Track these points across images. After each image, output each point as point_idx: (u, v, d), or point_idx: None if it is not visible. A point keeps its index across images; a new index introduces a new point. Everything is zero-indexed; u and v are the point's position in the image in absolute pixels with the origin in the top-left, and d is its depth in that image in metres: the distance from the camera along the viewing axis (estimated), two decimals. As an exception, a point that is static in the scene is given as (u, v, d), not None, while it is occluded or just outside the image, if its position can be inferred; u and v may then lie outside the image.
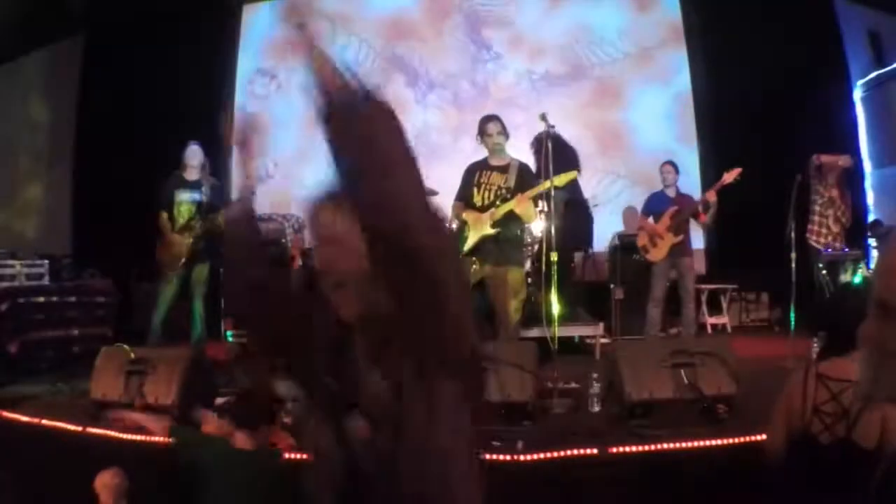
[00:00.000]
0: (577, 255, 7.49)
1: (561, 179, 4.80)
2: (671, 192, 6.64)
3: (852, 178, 6.84)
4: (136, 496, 3.26)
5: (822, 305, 6.03)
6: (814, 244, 6.64)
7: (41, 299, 6.27)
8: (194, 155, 6.07)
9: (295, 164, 8.99)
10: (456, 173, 5.38)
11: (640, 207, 7.04)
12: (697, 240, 8.01)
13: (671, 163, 6.74)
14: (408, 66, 8.96)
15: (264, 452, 3.32)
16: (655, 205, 6.65)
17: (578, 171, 6.36)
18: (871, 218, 8.03)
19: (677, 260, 6.47)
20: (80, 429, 4.06)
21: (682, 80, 8.63)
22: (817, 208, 6.67)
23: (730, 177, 6.27)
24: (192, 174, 6.07)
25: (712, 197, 6.31)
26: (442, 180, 7.37)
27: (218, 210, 5.88)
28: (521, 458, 3.44)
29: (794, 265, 5.81)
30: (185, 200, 6.00)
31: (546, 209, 5.28)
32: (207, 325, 6.13)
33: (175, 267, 5.91)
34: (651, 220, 6.61)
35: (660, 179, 6.75)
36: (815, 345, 5.15)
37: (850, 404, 1.93)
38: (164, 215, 5.99)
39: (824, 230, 6.61)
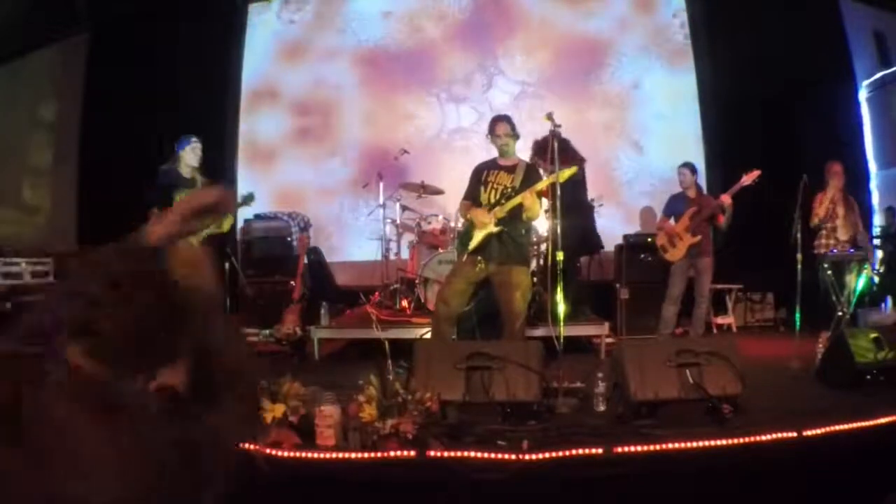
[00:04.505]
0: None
1: (563, 175, 4.80)
2: (691, 193, 6.56)
3: (853, 183, 6.78)
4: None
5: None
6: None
7: (46, 297, 6.26)
8: (195, 152, 5.81)
9: (299, 162, 9.02)
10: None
11: (652, 208, 6.99)
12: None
13: (688, 164, 6.62)
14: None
15: None
16: (676, 206, 6.59)
17: (583, 169, 6.36)
18: (875, 219, 8.04)
19: (696, 260, 6.40)
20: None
21: (688, 81, 8.63)
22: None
23: (748, 179, 6.18)
24: (187, 171, 5.79)
25: (727, 200, 6.24)
26: (451, 180, 7.52)
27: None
28: (527, 457, 3.43)
29: (799, 266, 5.81)
30: None
31: (550, 207, 5.29)
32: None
33: None
34: (672, 221, 6.58)
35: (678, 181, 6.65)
36: (820, 345, 5.17)
37: None
38: None
39: (832, 241, 6.55)
